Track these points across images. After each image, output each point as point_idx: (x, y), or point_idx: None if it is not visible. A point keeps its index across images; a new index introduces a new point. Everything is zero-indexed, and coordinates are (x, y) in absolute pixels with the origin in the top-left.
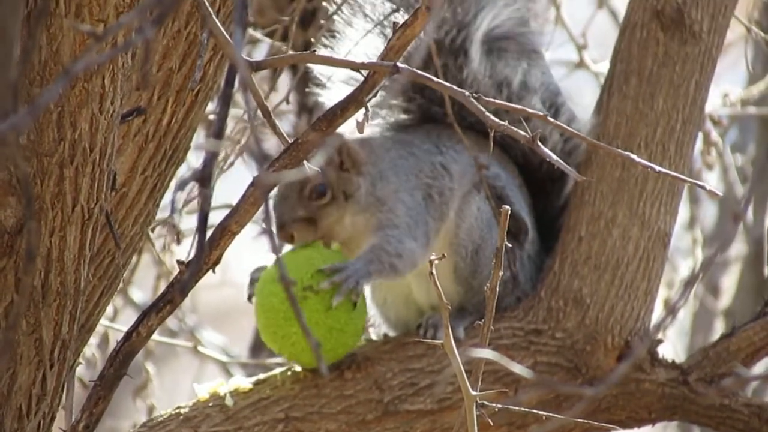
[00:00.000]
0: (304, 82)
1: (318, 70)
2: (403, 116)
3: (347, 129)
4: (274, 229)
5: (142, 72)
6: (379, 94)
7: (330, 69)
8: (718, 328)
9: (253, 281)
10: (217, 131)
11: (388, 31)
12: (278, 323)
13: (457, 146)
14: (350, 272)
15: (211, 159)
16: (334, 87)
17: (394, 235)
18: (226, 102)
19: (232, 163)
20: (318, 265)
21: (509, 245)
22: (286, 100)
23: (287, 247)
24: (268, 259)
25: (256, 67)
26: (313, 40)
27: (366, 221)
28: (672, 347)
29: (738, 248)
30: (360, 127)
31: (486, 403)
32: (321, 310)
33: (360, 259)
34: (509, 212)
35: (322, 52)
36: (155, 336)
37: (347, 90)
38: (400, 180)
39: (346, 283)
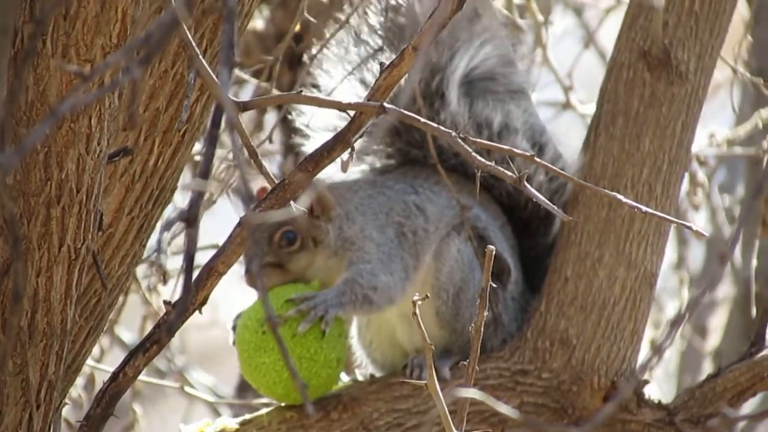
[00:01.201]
0: (289, 122)
1: (302, 120)
2: (386, 161)
3: (331, 170)
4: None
5: (128, 112)
6: (365, 138)
7: (312, 116)
8: (706, 369)
9: (235, 327)
10: (204, 171)
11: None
12: (250, 355)
13: (435, 187)
14: (319, 301)
15: (197, 199)
16: (316, 135)
17: (367, 269)
18: (212, 142)
19: (214, 202)
20: (287, 295)
21: (492, 286)
22: (269, 138)
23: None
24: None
25: (243, 107)
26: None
27: (338, 263)
28: (659, 388)
29: (726, 289)
30: (344, 166)
31: None
32: (288, 338)
33: (332, 290)
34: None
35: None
36: (143, 376)
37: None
38: (366, 219)
39: (314, 311)
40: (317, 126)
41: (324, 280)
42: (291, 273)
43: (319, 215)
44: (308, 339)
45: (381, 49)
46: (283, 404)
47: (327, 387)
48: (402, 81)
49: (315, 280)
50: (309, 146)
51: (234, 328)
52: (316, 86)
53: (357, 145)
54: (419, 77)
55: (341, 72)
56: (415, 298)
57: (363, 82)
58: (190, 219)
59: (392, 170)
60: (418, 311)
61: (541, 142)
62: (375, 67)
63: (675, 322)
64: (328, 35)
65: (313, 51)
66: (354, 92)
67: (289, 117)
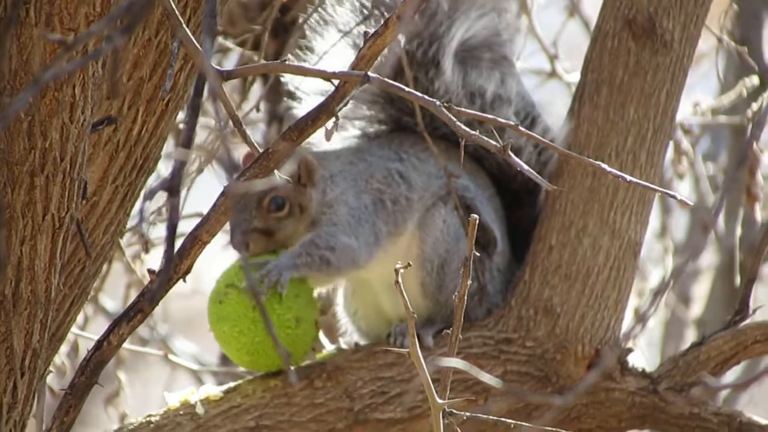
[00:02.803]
0: (275, 91)
1: (292, 83)
2: (377, 127)
3: (316, 138)
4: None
5: (111, 81)
6: (352, 104)
7: (302, 81)
8: (690, 337)
9: None
10: (186, 140)
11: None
12: (213, 325)
13: (421, 155)
14: (272, 267)
15: (179, 168)
16: (308, 99)
17: (329, 231)
18: (194, 111)
19: (201, 170)
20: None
21: (478, 255)
22: (257, 107)
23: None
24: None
25: (227, 76)
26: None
27: (313, 228)
28: (643, 357)
29: (710, 258)
30: (328, 135)
31: (454, 411)
32: (243, 304)
33: (286, 254)
34: (478, 222)
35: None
36: (126, 344)
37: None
38: (347, 184)
39: (267, 278)
40: (308, 89)
41: None
42: (277, 241)
43: (305, 183)
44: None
45: (370, 16)
46: (262, 372)
47: (293, 347)
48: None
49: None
50: (300, 110)
51: None
52: (309, 49)
53: (348, 111)
54: (416, 44)
55: (335, 36)
56: (398, 266)
57: (356, 46)
58: (173, 188)
59: (379, 137)
60: (400, 279)
61: (533, 114)
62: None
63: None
64: (317, 1)
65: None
66: (347, 56)
67: (282, 81)
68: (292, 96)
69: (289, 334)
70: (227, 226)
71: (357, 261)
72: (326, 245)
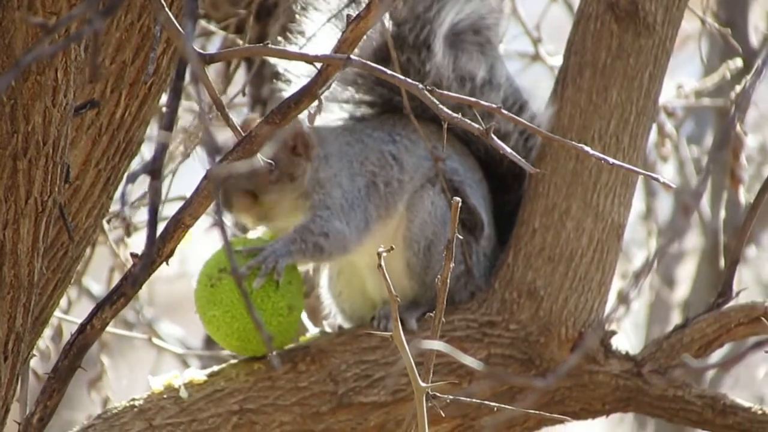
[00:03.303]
0: (259, 75)
1: (281, 65)
2: (366, 109)
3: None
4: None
5: (92, 64)
6: (340, 86)
7: (290, 63)
8: (675, 319)
9: None
10: (168, 124)
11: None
12: (203, 309)
13: (413, 136)
14: (268, 253)
15: (161, 151)
16: (298, 81)
17: (323, 215)
18: (176, 95)
19: (187, 155)
20: (237, 249)
21: (464, 239)
22: (242, 92)
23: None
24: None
25: (209, 59)
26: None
27: (303, 204)
28: (628, 339)
29: (694, 240)
30: (311, 118)
31: (437, 394)
32: (236, 290)
33: (281, 240)
34: (464, 205)
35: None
36: (111, 328)
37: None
38: (342, 165)
39: (264, 264)
40: (297, 72)
41: (284, 225)
42: (261, 206)
43: (301, 153)
44: (257, 290)
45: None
46: (247, 356)
47: (283, 335)
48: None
49: (268, 232)
50: (289, 92)
51: None
52: (296, 32)
53: (336, 94)
54: (407, 27)
55: (321, 19)
56: (380, 249)
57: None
58: (154, 171)
59: (372, 118)
60: (383, 263)
61: (521, 101)
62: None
63: (641, 273)
64: None
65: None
66: (334, 39)
67: (269, 64)
68: (279, 78)
69: (281, 321)
70: (210, 210)
71: (347, 247)
72: (320, 231)
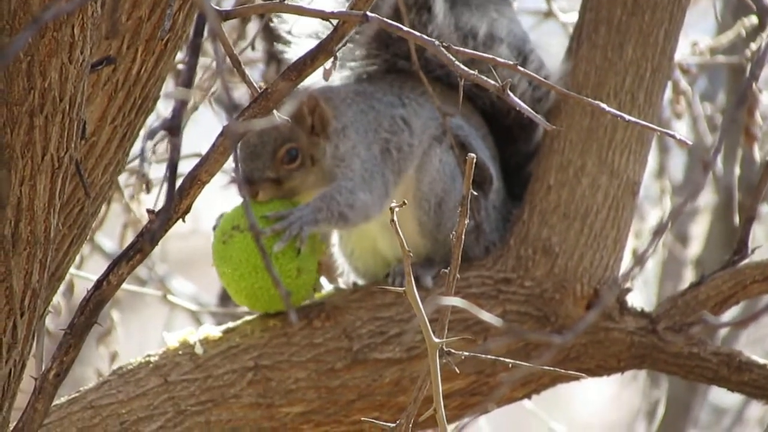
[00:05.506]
0: (272, 30)
1: (284, 26)
2: (372, 68)
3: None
4: (242, 182)
5: (110, 20)
6: (349, 46)
7: (295, 22)
8: (688, 277)
9: (215, 228)
10: (186, 80)
11: None
12: (216, 264)
13: (420, 98)
14: (294, 219)
15: (180, 108)
16: (299, 42)
17: (347, 186)
18: (195, 51)
19: (196, 108)
20: (262, 212)
21: (474, 194)
22: (252, 46)
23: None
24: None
25: (226, 16)
26: None
27: (325, 180)
28: (641, 296)
29: (708, 197)
30: (327, 74)
31: (452, 351)
32: (246, 249)
33: (308, 206)
34: (474, 161)
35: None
36: (125, 284)
37: (313, 44)
38: (359, 136)
39: (289, 230)
40: (300, 32)
41: (308, 198)
42: (285, 190)
43: (318, 133)
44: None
45: None
46: (261, 312)
47: (292, 296)
48: None
49: (297, 198)
50: (291, 53)
51: (214, 228)
52: None
53: (345, 52)
54: None
55: None
56: (392, 204)
57: None
58: (173, 128)
59: (380, 78)
60: (395, 218)
61: (525, 51)
62: None
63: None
64: None
65: None
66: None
67: (272, 24)
68: (280, 39)
69: (289, 283)
70: (227, 166)
71: (369, 215)
72: (346, 202)
